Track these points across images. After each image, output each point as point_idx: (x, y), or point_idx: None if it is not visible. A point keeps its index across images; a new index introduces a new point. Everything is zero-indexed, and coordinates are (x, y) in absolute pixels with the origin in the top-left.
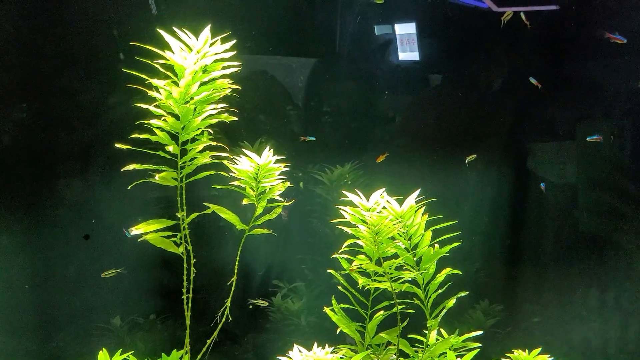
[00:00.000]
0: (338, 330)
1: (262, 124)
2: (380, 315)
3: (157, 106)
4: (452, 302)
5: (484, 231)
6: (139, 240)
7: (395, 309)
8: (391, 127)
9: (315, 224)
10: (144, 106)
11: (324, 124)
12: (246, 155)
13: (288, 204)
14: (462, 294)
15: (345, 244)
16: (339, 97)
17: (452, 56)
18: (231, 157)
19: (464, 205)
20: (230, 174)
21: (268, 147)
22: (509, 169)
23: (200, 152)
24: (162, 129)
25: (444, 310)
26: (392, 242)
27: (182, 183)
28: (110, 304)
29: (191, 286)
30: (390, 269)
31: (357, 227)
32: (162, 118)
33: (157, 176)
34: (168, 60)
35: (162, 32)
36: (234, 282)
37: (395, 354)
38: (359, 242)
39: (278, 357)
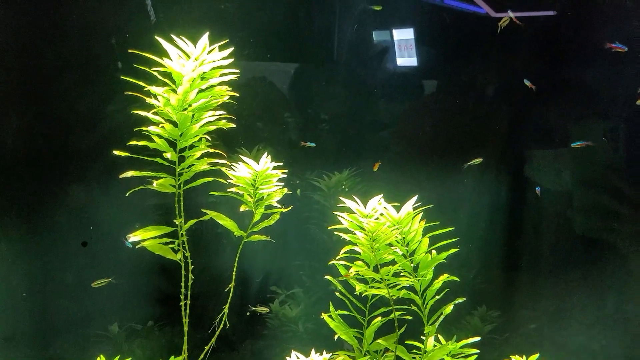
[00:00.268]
0: (336, 337)
1: (260, 131)
2: (377, 321)
3: (155, 113)
4: (449, 308)
5: (481, 237)
6: (136, 247)
7: (392, 316)
8: (388, 134)
9: (313, 231)
10: (142, 113)
11: (322, 131)
12: (244, 162)
13: (285, 210)
14: (460, 300)
15: (343, 250)
16: (336, 104)
17: (449, 62)
18: (229, 163)
19: (461, 211)
20: (228, 180)
21: (266, 154)
22: (506, 175)
23: (198, 159)
24: (160, 136)
25: (442, 317)
26: (389, 248)
27: (180, 190)
28: (108, 311)
29: (189, 293)
30: (387, 275)
31: (355, 233)
32: (160, 125)
33: (155, 183)
34: (166, 67)
35: (160, 39)
36: (232, 289)
37: None
38: (357, 248)
39: None
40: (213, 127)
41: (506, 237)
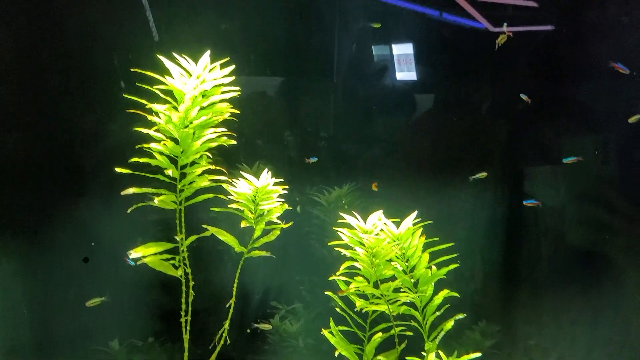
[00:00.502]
0: (336, 353)
1: (259, 148)
2: (378, 337)
3: (157, 130)
4: (450, 324)
5: (480, 252)
6: (138, 263)
7: (393, 332)
8: (387, 149)
9: (313, 245)
10: (144, 131)
11: (321, 147)
12: (244, 178)
13: (286, 226)
14: (460, 316)
15: (343, 266)
16: (335, 120)
17: (448, 77)
18: (230, 179)
19: (461, 226)
20: (229, 197)
21: (266, 170)
22: (505, 190)
23: (199, 175)
24: (161, 153)
25: (442, 333)
26: (389, 264)
27: (181, 206)
28: (109, 327)
29: (189, 309)
30: (387, 291)
31: (355, 249)
32: (162, 142)
33: (156, 200)
34: (168, 85)
35: (162, 58)
36: (232, 305)
37: None
38: (357, 264)
39: None
40: (214, 144)
41: (505, 252)
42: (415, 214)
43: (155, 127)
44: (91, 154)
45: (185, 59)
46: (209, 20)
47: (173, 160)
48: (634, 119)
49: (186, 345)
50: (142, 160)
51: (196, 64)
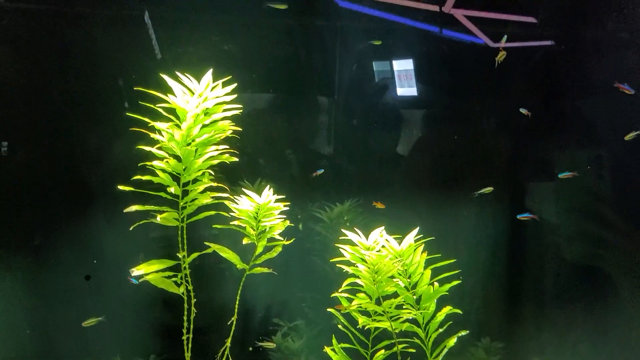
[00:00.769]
0: None
1: (262, 166)
2: (380, 354)
3: (160, 148)
4: (452, 341)
5: (484, 268)
6: (140, 280)
7: (395, 349)
8: (388, 166)
9: (315, 262)
10: (147, 148)
11: (323, 164)
12: (246, 195)
13: (287, 243)
14: (463, 333)
15: (345, 283)
16: (337, 137)
17: (448, 93)
18: (232, 196)
19: (463, 242)
20: (231, 213)
21: (268, 187)
22: (507, 206)
23: (201, 192)
24: (164, 171)
25: (445, 350)
26: (391, 281)
27: (184, 223)
28: (111, 345)
29: (191, 326)
30: (390, 308)
31: (357, 266)
32: (165, 160)
33: (158, 217)
34: (171, 104)
35: (165, 77)
36: (234, 322)
37: None
38: (359, 281)
39: None
40: (216, 162)
41: (509, 268)
42: (416, 230)
43: (158, 145)
44: (95, 172)
45: (188, 77)
46: (211, 40)
47: (175, 178)
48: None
49: None
50: (144, 177)
51: (199, 82)
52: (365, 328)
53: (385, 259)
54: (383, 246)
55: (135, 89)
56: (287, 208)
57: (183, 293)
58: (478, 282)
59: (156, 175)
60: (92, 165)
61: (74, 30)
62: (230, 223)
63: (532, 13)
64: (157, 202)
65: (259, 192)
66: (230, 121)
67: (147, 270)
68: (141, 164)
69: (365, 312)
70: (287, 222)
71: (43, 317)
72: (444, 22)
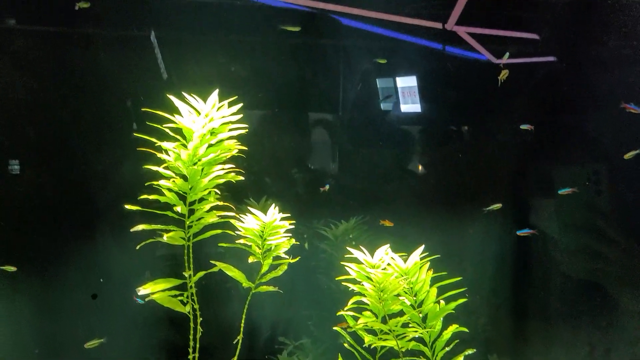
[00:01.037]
0: None
1: (268, 185)
2: None
3: (167, 168)
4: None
5: (490, 286)
6: (146, 299)
7: None
8: (393, 184)
9: (320, 280)
10: (154, 168)
11: (328, 182)
12: (252, 214)
13: (293, 261)
14: (469, 352)
15: (351, 301)
16: (342, 155)
17: (453, 111)
18: (237, 215)
19: (469, 260)
20: (237, 232)
21: (273, 205)
22: (512, 223)
23: (208, 211)
24: (171, 190)
25: None
26: (397, 299)
27: (190, 242)
28: None
29: (197, 345)
30: (396, 326)
31: (362, 284)
32: (171, 179)
33: (165, 236)
34: (177, 124)
35: (172, 97)
36: (240, 341)
37: None
38: (365, 299)
39: None
40: (222, 180)
41: (515, 285)
42: (422, 248)
43: (164, 165)
44: (102, 192)
45: (195, 97)
46: (217, 60)
47: (182, 197)
48: (630, 155)
49: None
50: (151, 197)
51: (205, 102)
52: (372, 347)
53: (390, 277)
54: (388, 264)
55: (142, 109)
56: (293, 226)
57: (189, 312)
58: (484, 299)
59: (163, 194)
60: (99, 184)
61: (84, 55)
62: (236, 241)
63: (534, 30)
64: (163, 221)
65: (265, 210)
66: (236, 140)
67: (153, 289)
68: (148, 183)
69: (371, 331)
70: (293, 241)
71: (50, 336)
72: (447, 40)
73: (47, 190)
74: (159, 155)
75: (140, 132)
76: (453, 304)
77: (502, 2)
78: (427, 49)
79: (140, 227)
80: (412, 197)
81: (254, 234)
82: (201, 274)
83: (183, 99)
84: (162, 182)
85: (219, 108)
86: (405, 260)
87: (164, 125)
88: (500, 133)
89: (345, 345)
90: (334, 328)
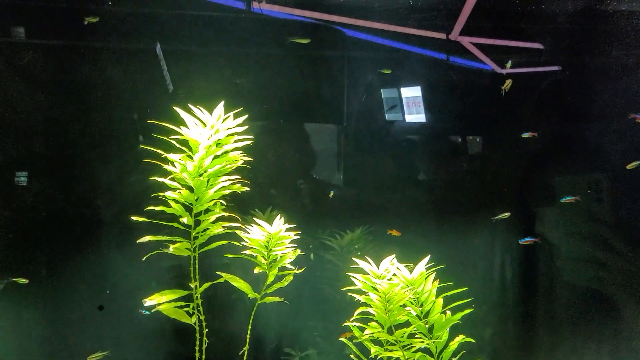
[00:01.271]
0: None
1: (273, 196)
2: None
3: (173, 179)
4: None
5: (497, 295)
6: (152, 311)
7: None
8: (398, 194)
9: (326, 290)
10: (160, 179)
11: (333, 191)
12: (258, 224)
13: (299, 272)
14: None
15: (357, 312)
16: (347, 165)
17: (458, 121)
18: (243, 226)
19: (475, 270)
20: (243, 243)
21: (279, 216)
22: (517, 232)
23: (213, 222)
24: (177, 201)
25: None
26: (403, 309)
27: (196, 253)
28: None
29: (203, 357)
30: (402, 337)
31: (368, 294)
32: (177, 190)
33: (171, 247)
34: (183, 136)
35: (178, 109)
36: (246, 352)
37: None
38: (371, 310)
39: None
40: (227, 191)
41: (521, 295)
42: (427, 258)
43: (170, 176)
44: (109, 204)
45: (200, 109)
46: (222, 73)
47: (188, 208)
48: (633, 165)
49: None
50: (158, 208)
51: (210, 114)
52: (378, 358)
53: (396, 288)
54: (394, 274)
55: (149, 121)
56: (298, 237)
57: (195, 323)
58: (490, 309)
59: (169, 205)
60: (106, 196)
61: (92, 69)
62: (242, 252)
63: (538, 40)
64: (169, 232)
65: (270, 221)
66: (241, 151)
67: (159, 301)
68: (154, 194)
69: (377, 342)
70: (298, 251)
71: (57, 347)
72: (451, 50)
73: (54, 202)
74: (165, 166)
75: (147, 144)
76: (459, 315)
77: (505, 13)
78: (432, 59)
79: (146, 238)
80: (417, 207)
81: (259, 244)
82: (207, 285)
83: (189, 111)
84: (168, 193)
85: (224, 120)
86: (411, 271)
87: (170, 137)
88: (505, 142)
89: (352, 356)
90: (340, 339)
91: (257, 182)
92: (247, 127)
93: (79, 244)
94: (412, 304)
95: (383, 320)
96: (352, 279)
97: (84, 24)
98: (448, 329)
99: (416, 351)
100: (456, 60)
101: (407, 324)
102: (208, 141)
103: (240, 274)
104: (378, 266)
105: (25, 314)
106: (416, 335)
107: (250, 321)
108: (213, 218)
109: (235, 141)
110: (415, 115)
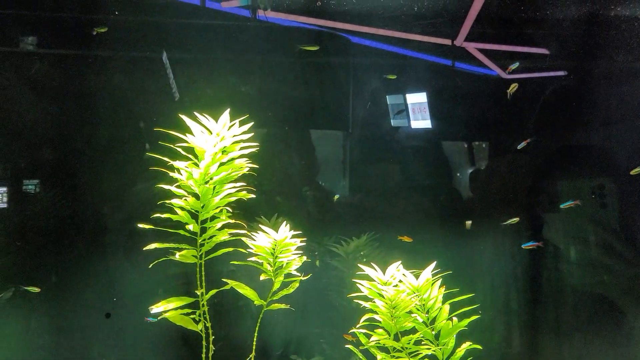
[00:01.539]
0: None
1: (279, 203)
2: None
3: (179, 187)
4: None
5: (504, 302)
6: (159, 318)
7: None
8: (404, 200)
9: (332, 297)
10: (166, 187)
11: (341, 198)
12: (263, 231)
13: (305, 278)
14: None
15: (363, 318)
16: (352, 172)
17: (463, 127)
18: (249, 233)
19: (480, 276)
20: (248, 250)
21: (285, 223)
22: (523, 238)
23: (219, 229)
24: (183, 208)
25: None
26: (409, 316)
27: (202, 260)
28: None
29: None
30: (408, 343)
31: (374, 301)
32: (183, 198)
33: (177, 254)
34: (189, 143)
35: (183, 117)
36: (252, 359)
37: None
38: (377, 316)
39: None
40: (233, 198)
41: (528, 300)
42: (433, 264)
43: (176, 184)
44: (115, 211)
45: (206, 117)
46: (227, 80)
47: (194, 215)
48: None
49: None
50: (164, 215)
51: (216, 121)
52: None
53: (402, 294)
54: (400, 281)
55: (155, 129)
56: (304, 244)
57: (201, 330)
58: (497, 315)
59: (175, 213)
60: (113, 204)
61: (99, 78)
62: (248, 259)
63: (543, 45)
64: (175, 240)
65: (276, 228)
66: (247, 159)
67: (166, 308)
68: (161, 202)
69: (383, 348)
70: (304, 258)
71: (64, 355)
72: (456, 56)
73: (61, 210)
74: (171, 174)
75: (153, 152)
76: (466, 321)
77: (510, 19)
78: (437, 65)
79: (153, 245)
80: (423, 213)
81: (265, 251)
82: (213, 292)
83: (195, 119)
84: (174, 200)
85: (230, 127)
86: (417, 277)
87: (176, 145)
88: (511, 148)
89: None
90: (347, 346)
91: (263, 189)
92: (252, 134)
93: (86, 251)
94: (418, 310)
95: (389, 326)
96: (358, 285)
97: (91, 33)
98: (455, 336)
99: (423, 358)
100: (462, 66)
101: (413, 330)
102: (214, 148)
103: (246, 280)
104: (384, 273)
105: (32, 321)
106: (423, 342)
107: (257, 328)
108: (219, 225)
109: (241, 148)
110: (421, 122)
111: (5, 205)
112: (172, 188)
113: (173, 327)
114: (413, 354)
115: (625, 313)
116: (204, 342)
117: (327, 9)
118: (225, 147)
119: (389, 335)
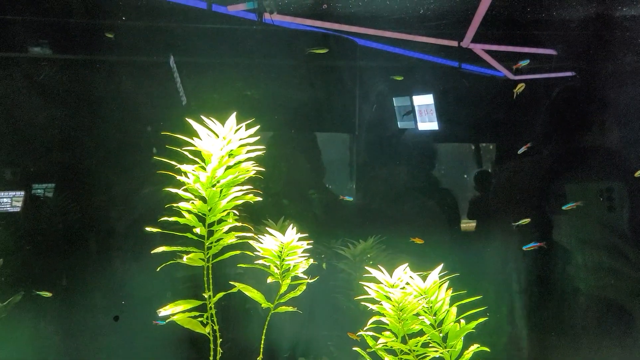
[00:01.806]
0: None
1: (286, 206)
2: None
3: (186, 190)
4: None
5: (512, 304)
6: (166, 321)
7: None
8: (411, 203)
9: (339, 300)
10: (174, 190)
11: (346, 201)
12: (270, 234)
13: (311, 281)
14: None
15: (370, 321)
16: (359, 174)
17: (469, 129)
18: (256, 236)
19: (488, 278)
20: (255, 252)
21: (291, 226)
22: (531, 240)
23: (226, 232)
24: (190, 212)
25: None
26: (417, 318)
27: (209, 263)
28: None
29: None
30: (416, 346)
31: (381, 304)
32: (191, 201)
33: (185, 257)
34: (196, 147)
35: (190, 121)
36: None
37: None
38: (384, 319)
39: None
40: (240, 202)
41: (536, 303)
42: (441, 267)
43: (184, 187)
44: (123, 215)
45: (213, 121)
46: (234, 84)
47: (201, 219)
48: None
49: None
50: (171, 219)
51: (223, 125)
52: None
53: (410, 297)
54: (407, 283)
55: (162, 133)
56: (311, 246)
57: (209, 333)
58: (504, 318)
59: (182, 216)
60: (121, 207)
61: (108, 84)
62: (255, 262)
63: (550, 46)
64: (183, 243)
65: (283, 231)
66: (253, 162)
67: (173, 311)
68: (168, 205)
69: (391, 351)
70: (311, 261)
71: (73, 358)
72: (463, 57)
73: (70, 214)
74: (178, 177)
75: (160, 155)
76: (473, 323)
77: (517, 20)
78: (444, 67)
79: (160, 248)
80: (430, 215)
81: (272, 254)
82: (221, 294)
83: (201, 123)
84: (181, 204)
85: (236, 130)
86: (424, 279)
87: (183, 149)
88: (518, 149)
89: None
90: (354, 348)
91: (270, 192)
92: (259, 137)
93: (94, 255)
94: (425, 312)
95: (397, 329)
96: (365, 288)
97: (100, 38)
98: (462, 338)
99: None
100: (468, 67)
101: (420, 333)
102: (221, 152)
103: (254, 283)
104: (391, 275)
105: (41, 324)
106: (430, 345)
107: (264, 330)
108: (226, 228)
109: (248, 152)
110: (428, 123)
111: (15, 210)
112: (180, 191)
113: (181, 330)
114: (421, 357)
115: (633, 316)
116: (211, 345)
117: (334, 12)
118: (232, 150)
119: (397, 338)
